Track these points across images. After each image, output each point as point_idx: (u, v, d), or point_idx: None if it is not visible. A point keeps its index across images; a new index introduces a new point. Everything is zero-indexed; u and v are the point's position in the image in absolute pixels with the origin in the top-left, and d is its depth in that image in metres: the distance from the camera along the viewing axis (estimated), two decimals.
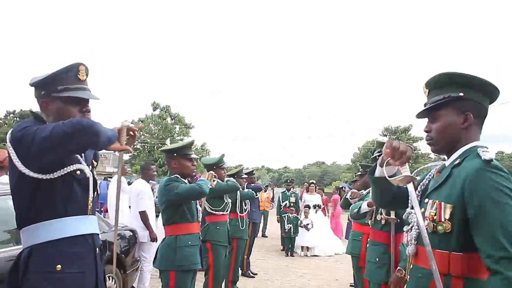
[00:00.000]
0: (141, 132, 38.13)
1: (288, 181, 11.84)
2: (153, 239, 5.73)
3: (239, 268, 6.83)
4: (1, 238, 3.50)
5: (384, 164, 1.79)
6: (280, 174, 79.68)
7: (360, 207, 3.61)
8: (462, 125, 1.76)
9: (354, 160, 36.96)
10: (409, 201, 1.91)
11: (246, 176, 7.88)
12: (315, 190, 11.91)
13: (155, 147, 36.56)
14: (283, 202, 10.90)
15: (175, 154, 3.75)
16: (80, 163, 2.06)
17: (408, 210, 1.89)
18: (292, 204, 10.70)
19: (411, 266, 1.85)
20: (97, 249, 2.15)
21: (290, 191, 11.08)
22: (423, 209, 1.82)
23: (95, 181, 2.17)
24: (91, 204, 2.13)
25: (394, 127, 36.49)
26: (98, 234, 2.20)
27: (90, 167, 2.17)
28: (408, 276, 1.87)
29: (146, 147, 37.48)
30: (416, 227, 1.81)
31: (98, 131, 1.86)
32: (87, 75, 2.14)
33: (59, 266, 1.92)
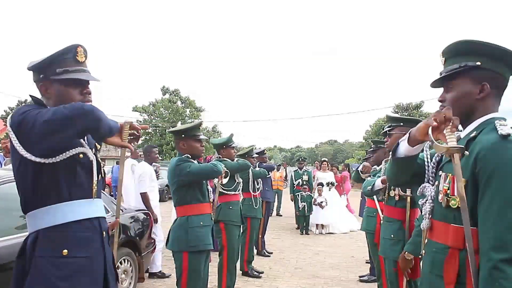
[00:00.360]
0: (152, 116, 38.27)
1: (300, 159, 11.80)
2: (155, 220, 5.78)
3: (254, 248, 6.83)
4: (16, 224, 3.49)
5: (432, 141, 1.58)
6: (292, 153, 79.45)
7: (374, 183, 3.54)
8: (478, 96, 1.67)
9: (366, 137, 36.65)
10: (426, 175, 1.84)
11: (257, 155, 7.86)
12: (328, 168, 11.85)
13: (166, 130, 36.70)
14: (296, 180, 10.88)
15: (183, 135, 3.70)
16: (83, 147, 2.02)
17: (424, 184, 1.82)
18: (305, 183, 10.67)
19: (426, 241, 1.79)
20: (104, 232, 2.13)
21: (302, 170, 11.05)
22: (437, 182, 1.75)
23: (99, 164, 2.14)
24: (96, 187, 2.10)
25: (406, 104, 36.08)
26: (104, 218, 2.17)
27: (93, 150, 2.14)
28: (424, 251, 1.81)
29: (157, 130, 37.60)
30: (431, 200, 1.74)
31: (100, 117, 1.84)
32: (85, 56, 2.10)
33: (65, 250, 1.90)
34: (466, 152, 1.55)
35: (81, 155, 1.99)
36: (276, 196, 13.03)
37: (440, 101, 1.80)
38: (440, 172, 1.74)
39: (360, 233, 10.02)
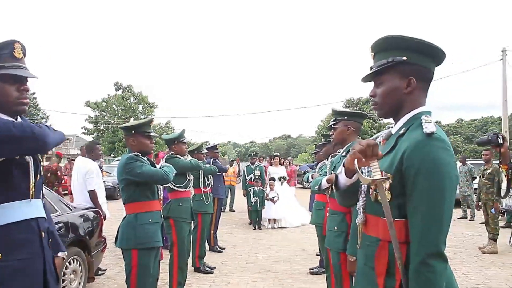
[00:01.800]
0: (104, 112, 37.41)
1: (252, 154, 11.88)
2: (104, 217, 5.70)
3: (206, 243, 6.84)
4: None
5: (358, 170, 1.65)
6: (246, 148, 79.74)
7: (320, 183, 3.61)
8: (406, 90, 1.72)
9: (318, 132, 37.28)
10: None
11: (209, 150, 7.86)
12: (280, 163, 11.97)
13: (119, 126, 35.99)
14: (248, 175, 10.98)
15: (133, 132, 3.66)
16: None
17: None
18: (257, 177, 10.77)
19: (360, 234, 1.84)
20: (43, 232, 2.08)
21: (254, 165, 11.15)
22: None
23: (36, 164, 2.09)
24: (34, 188, 2.05)
25: (356, 99, 36.87)
26: (44, 218, 2.13)
27: None
28: (359, 245, 1.86)
29: (110, 127, 36.80)
30: (364, 195, 1.80)
31: (47, 143, 1.86)
32: (24, 53, 2.05)
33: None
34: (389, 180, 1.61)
35: (16, 156, 1.95)
36: (229, 192, 13.05)
37: (371, 96, 1.85)
38: (369, 167, 1.80)
39: (311, 226, 10.18)
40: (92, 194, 5.63)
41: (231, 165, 14.59)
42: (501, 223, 9.17)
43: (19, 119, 2.05)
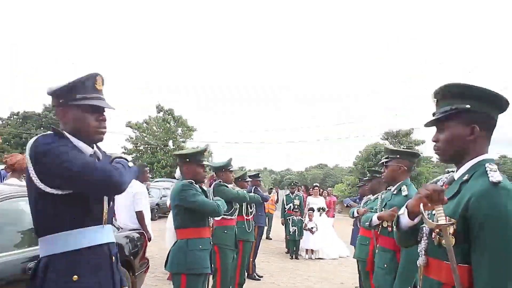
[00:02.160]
0: (144, 134, 38.23)
1: (292, 184, 11.91)
2: (149, 238, 5.82)
3: (245, 271, 6.87)
4: (15, 240, 3.54)
5: (424, 214, 1.70)
6: (282, 176, 79.55)
7: (371, 219, 3.63)
8: (469, 137, 1.76)
9: (356, 163, 36.83)
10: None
11: (251, 179, 7.95)
12: (319, 193, 11.93)
13: (158, 148, 36.59)
14: (287, 204, 10.98)
15: (188, 160, 3.82)
16: None
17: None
18: (296, 207, 10.77)
19: (421, 277, 1.86)
20: (113, 257, 2.19)
21: (294, 194, 11.16)
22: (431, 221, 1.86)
23: None
24: (107, 214, 2.17)
25: (395, 131, 36.41)
26: (113, 242, 2.24)
27: None
28: (419, 287, 1.90)
29: (149, 148, 37.51)
30: (425, 238, 1.84)
31: (120, 189, 2.01)
32: (103, 85, 2.21)
33: (75, 276, 1.96)
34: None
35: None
36: (267, 219, 13.05)
37: (434, 141, 1.90)
38: (434, 212, 1.83)
39: (348, 259, 10.11)
40: (140, 215, 5.78)
41: (269, 193, 14.62)
42: None
43: (95, 148, 2.20)
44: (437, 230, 1.72)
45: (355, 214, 4.97)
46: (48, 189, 1.93)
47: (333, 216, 12.28)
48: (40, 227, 2.04)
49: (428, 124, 1.92)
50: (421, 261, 1.84)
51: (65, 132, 2.08)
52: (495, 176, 1.62)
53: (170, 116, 38.44)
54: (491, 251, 1.55)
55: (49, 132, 2.07)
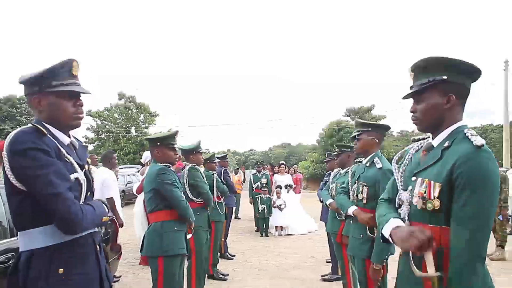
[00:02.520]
0: (106, 121, 37.47)
1: (259, 163, 12.02)
2: (120, 224, 5.81)
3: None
4: None
5: (412, 264, 1.80)
6: (246, 157, 79.71)
7: (346, 210, 3.63)
8: (445, 106, 1.85)
9: (319, 140, 37.28)
10: (398, 185, 2.06)
11: (219, 160, 7.97)
12: (285, 171, 12.07)
13: (120, 135, 35.99)
14: (255, 183, 11.09)
15: (159, 143, 3.80)
16: (76, 171, 2.04)
17: (400, 191, 2.02)
18: (264, 185, 10.87)
19: None
20: (98, 246, 2.16)
21: (261, 173, 11.26)
22: (410, 187, 1.93)
23: (89, 181, 2.15)
24: None
25: (357, 108, 36.99)
26: (96, 231, 2.20)
27: (86, 166, 2.19)
28: (401, 252, 1.98)
29: (111, 136, 36.83)
30: (407, 203, 1.92)
31: (75, 233, 1.98)
32: (79, 70, 2.14)
33: (61, 269, 1.92)
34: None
35: (74, 180, 2.01)
36: (235, 199, 13.11)
37: (412, 111, 1.99)
38: (414, 178, 1.92)
39: (317, 233, 10.32)
40: (110, 202, 5.72)
41: (236, 173, 14.69)
42: (507, 230, 9.23)
43: (72, 138, 2.14)
44: (421, 197, 1.81)
45: (327, 203, 5.06)
46: (23, 188, 1.88)
47: (299, 193, 12.47)
48: (18, 222, 1.98)
49: (406, 97, 1.99)
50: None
51: (45, 125, 2.00)
52: (478, 140, 1.71)
53: (131, 103, 37.79)
54: (472, 206, 1.65)
55: (28, 126, 1.98)
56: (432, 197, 1.76)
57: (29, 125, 1.99)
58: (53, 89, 2.01)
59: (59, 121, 2.05)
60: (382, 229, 1.99)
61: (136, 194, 7.07)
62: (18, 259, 1.97)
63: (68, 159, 2.02)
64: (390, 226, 1.92)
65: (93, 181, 2.23)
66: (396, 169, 2.10)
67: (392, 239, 1.90)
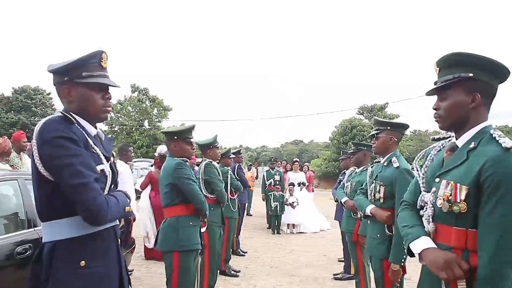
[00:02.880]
0: (119, 114, 37.66)
1: (272, 160, 11.96)
2: (133, 218, 5.79)
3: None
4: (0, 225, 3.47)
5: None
6: (258, 153, 79.85)
7: (364, 209, 3.59)
8: (470, 105, 1.79)
9: (332, 138, 37.19)
10: (420, 186, 2.01)
11: (234, 155, 7.98)
12: (300, 168, 12.01)
13: (133, 128, 36.19)
14: (268, 180, 11.02)
15: (176, 137, 3.79)
16: (102, 163, 2.03)
17: (422, 193, 1.98)
18: (277, 183, 10.83)
19: None
20: (119, 239, 2.17)
21: (274, 170, 11.21)
22: (434, 189, 1.88)
23: (114, 174, 2.15)
24: None
25: (370, 105, 36.78)
26: (117, 224, 2.20)
27: (112, 158, 2.18)
28: None
29: (124, 129, 37.06)
30: (431, 205, 1.86)
31: (100, 224, 1.95)
32: (107, 62, 2.13)
33: (83, 262, 1.92)
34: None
35: (99, 171, 2.00)
36: (247, 195, 13.10)
37: (434, 109, 1.92)
38: (438, 179, 1.86)
39: (330, 232, 10.29)
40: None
41: (249, 169, 14.66)
42: None
43: (98, 129, 2.15)
44: (446, 200, 1.77)
45: (342, 201, 5.01)
46: (50, 177, 1.87)
47: (312, 191, 12.42)
48: (43, 212, 1.97)
49: (430, 93, 1.94)
50: (430, 228, 1.87)
51: (73, 114, 1.99)
52: (507, 142, 1.66)
53: (145, 96, 37.94)
54: (502, 210, 1.60)
55: (57, 114, 1.97)
56: (458, 200, 1.71)
57: (58, 113, 1.98)
58: (83, 80, 2.00)
59: (88, 112, 2.05)
60: (409, 243, 1.93)
61: (140, 190, 7.08)
62: (41, 249, 1.97)
63: (95, 150, 2.01)
64: (422, 245, 1.85)
65: (117, 173, 2.22)
66: (418, 170, 2.05)
67: (422, 258, 1.85)
